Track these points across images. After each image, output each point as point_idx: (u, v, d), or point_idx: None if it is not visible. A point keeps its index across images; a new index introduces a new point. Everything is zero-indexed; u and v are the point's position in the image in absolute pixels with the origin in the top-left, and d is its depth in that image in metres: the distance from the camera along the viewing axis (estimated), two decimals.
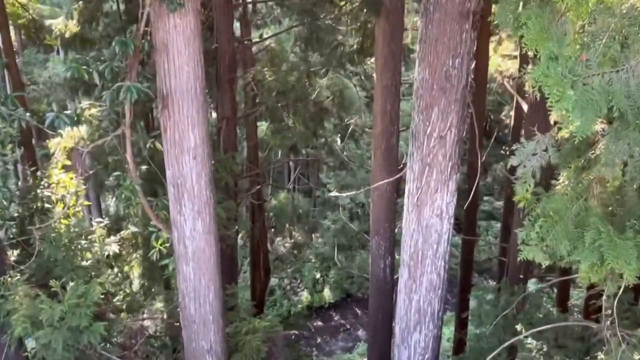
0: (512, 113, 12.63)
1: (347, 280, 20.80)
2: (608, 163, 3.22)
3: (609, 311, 4.65)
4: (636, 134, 3.07)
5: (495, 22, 3.45)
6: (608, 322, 4.70)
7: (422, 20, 5.17)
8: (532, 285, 12.36)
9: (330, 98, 13.16)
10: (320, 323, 19.67)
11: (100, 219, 10.19)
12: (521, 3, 3.26)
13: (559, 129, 3.58)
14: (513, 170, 3.99)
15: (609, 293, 3.89)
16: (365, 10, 9.31)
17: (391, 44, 7.92)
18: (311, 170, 23.04)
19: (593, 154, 3.53)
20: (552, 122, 3.98)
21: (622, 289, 3.91)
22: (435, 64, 5.18)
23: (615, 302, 4.36)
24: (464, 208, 11.48)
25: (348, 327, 19.40)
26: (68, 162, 8.10)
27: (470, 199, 8.45)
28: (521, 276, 8.01)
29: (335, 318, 19.94)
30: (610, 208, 3.56)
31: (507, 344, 5.40)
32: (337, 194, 5.91)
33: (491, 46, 11.83)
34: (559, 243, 3.38)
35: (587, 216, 3.41)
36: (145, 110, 10.23)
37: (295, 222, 18.26)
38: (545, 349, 7.23)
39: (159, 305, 9.17)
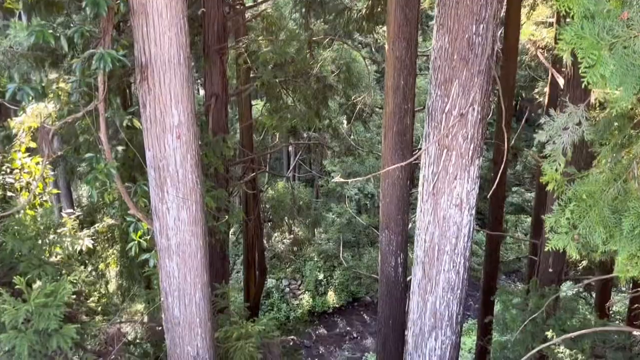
0: (547, 90, 12.58)
1: (353, 281, 20.93)
2: None
3: None
4: None
5: None
6: None
7: None
8: (566, 288, 12.39)
9: (336, 73, 13.14)
10: (323, 330, 19.83)
11: (71, 210, 10.30)
12: None
13: (600, 104, 3.56)
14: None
15: None
16: None
17: (406, 9, 7.90)
18: (313, 156, 23.06)
19: (634, 128, 3.52)
20: (592, 101, 3.97)
21: None
22: (456, 30, 5.15)
23: None
24: (489, 198, 11.50)
25: (355, 335, 19.56)
26: (33, 145, 8.13)
27: (495, 187, 8.43)
28: (550, 270, 8.03)
29: (341, 325, 20.10)
30: None
31: (534, 350, 5.44)
32: (342, 180, 5.93)
33: (523, 12, 11.74)
34: (592, 230, 3.39)
35: (626, 200, 3.40)
36: (121, 86, 10.26)
37: (295, 215, 18.33)
38: (580, 359, 7.27)
39: (138, 306, 9.28)
